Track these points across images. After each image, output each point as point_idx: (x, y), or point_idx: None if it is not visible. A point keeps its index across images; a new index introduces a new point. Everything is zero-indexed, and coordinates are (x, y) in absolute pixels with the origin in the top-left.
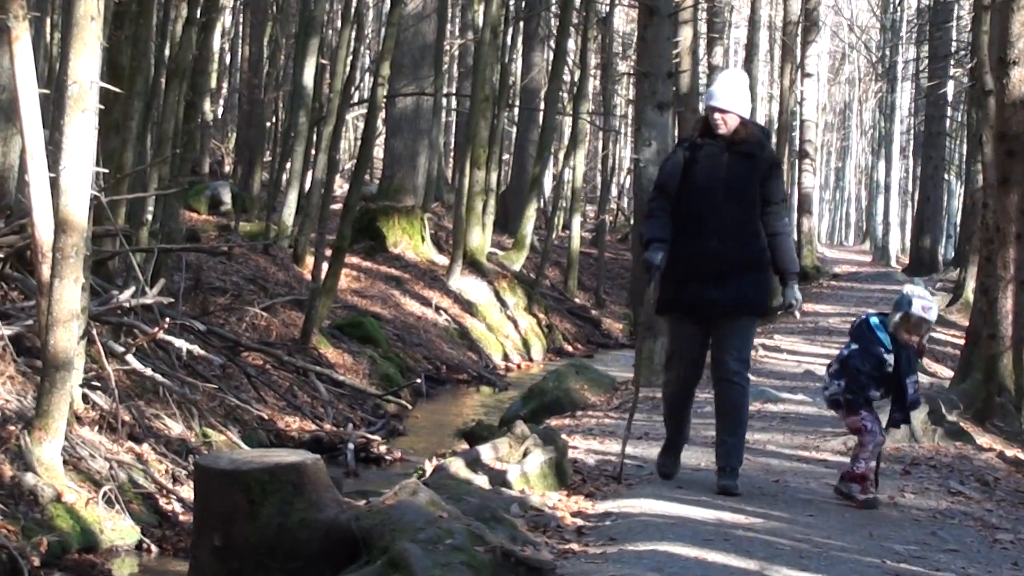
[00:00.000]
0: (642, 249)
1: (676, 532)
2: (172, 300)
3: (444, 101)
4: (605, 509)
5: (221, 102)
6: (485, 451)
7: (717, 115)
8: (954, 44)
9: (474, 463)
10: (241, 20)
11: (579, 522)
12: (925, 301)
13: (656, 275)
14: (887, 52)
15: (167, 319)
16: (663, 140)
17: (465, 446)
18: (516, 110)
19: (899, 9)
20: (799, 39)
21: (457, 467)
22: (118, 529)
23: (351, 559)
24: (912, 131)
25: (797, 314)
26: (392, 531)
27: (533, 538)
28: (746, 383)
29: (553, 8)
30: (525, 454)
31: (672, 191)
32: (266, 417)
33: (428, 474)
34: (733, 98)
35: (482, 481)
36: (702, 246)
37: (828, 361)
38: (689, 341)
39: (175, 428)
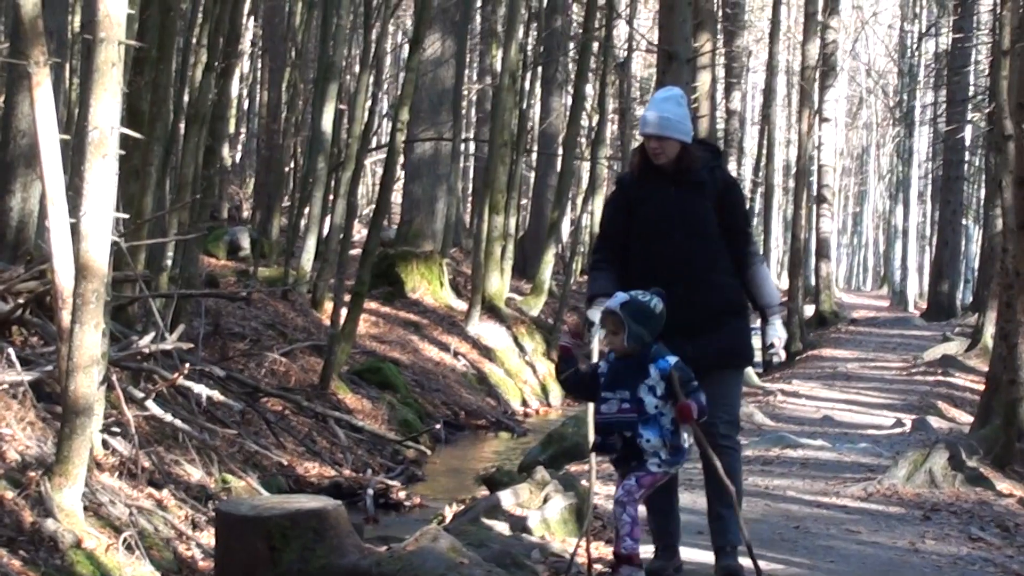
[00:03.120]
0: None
1: None
2: (192, 346)
3: (462, 146)
4: None
5: (240, 147)
6: (505, 497)
7: (654, 144)
8: (972, 88)
9: (494, 509)
10: (260, 65)
11: (600, 568)
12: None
13: (596, 332)
14: (904, 96)
15: (186, 365)
16: None
17: (485, 492)
18: (534, 155)
19: (916, 54)
20: (817, 84)
21: (477, 513)
22: (138, 575)
23: None
24: (930, 176)
25: (782, 354)
26: None
27: None
28: (737, 447)
29: (571, 54)
30: (545, 500)
31: (619, 238)
32: (285, 463)
33: (448, 520)
34: (670, 122)
35: (503, 527)
36: (667, 295)
37: (847, 406)
38: None
39: (195, 474)
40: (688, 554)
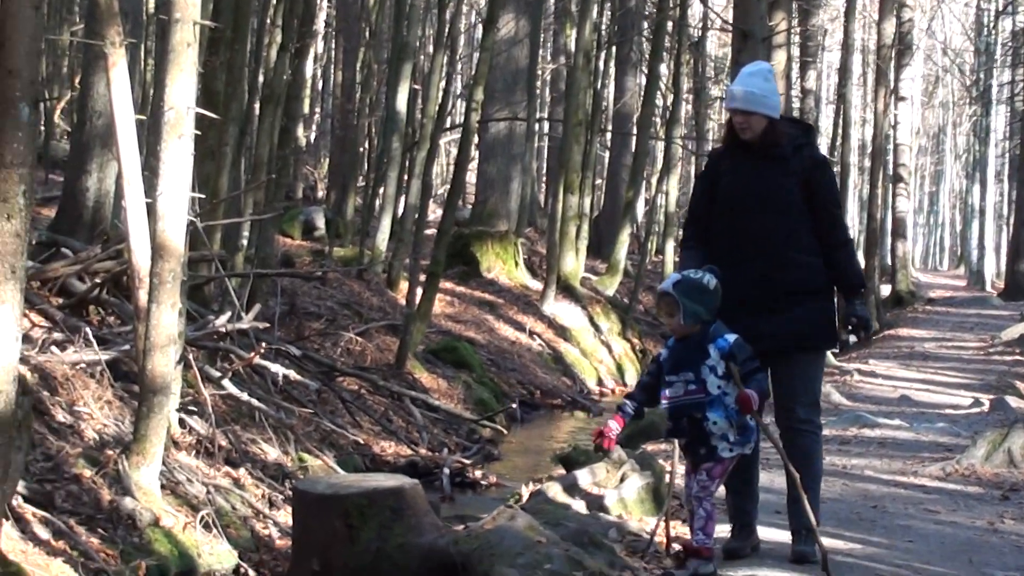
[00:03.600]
0: None
1: (774, 557)
2: (268, 325)
3: (537, 126)
4: None
5: (314, 127)
6: (582, 476)
7: (739, 118)
8: None
9: (571, 488)
10: (334, 46)
11: (677, 547)
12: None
13: None
14: (981, 75)
15: (263, 344)
16: None
17: (562, 471)
18: (609, 135)
19: (993, 32)
20: (893, 63)
21: (554, 492)
22: (216, 553)
23: None
24: (1007, 155)
25: (857, 338)
26: (491, 556)
27: (631, 563)
28: (818, 431)
29: (645, 33)
30: (622, 479)
31: (704, 214)
32: (361, 442)
33: (525, 499)
34: (756, 96)
35: (579, 506)
36: (745, 273)
37: (925, 386)
38: None
39: (271, 453)
40: (765, 533)
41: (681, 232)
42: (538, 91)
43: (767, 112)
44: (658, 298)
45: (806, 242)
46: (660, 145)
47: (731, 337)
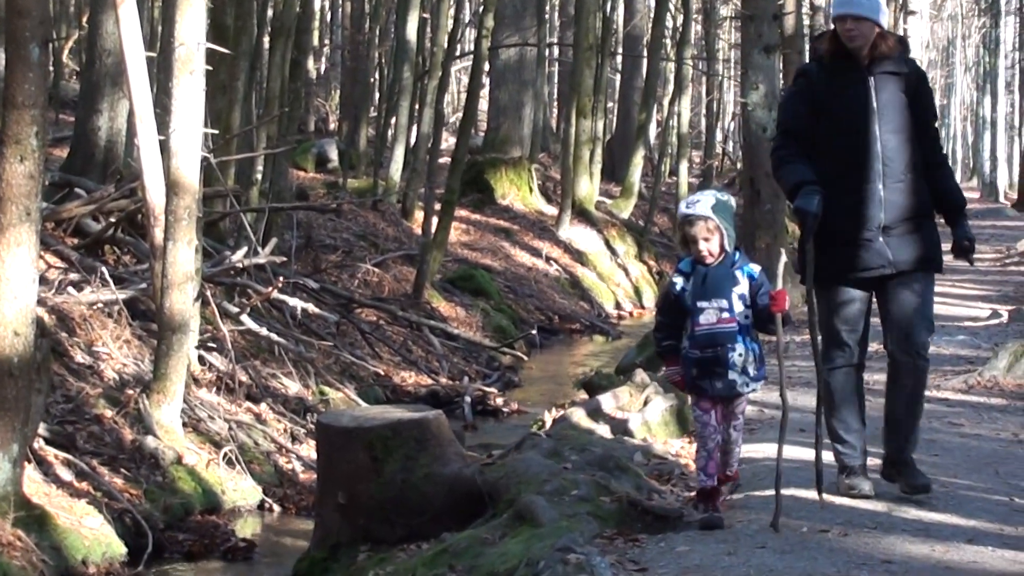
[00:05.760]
0: (789, 197)
1: (800, 476)
2: (284, 259)
3: (547, 51)
4: None
5: (324, 60)
6: (606, 400)
7: (850, 24)
8: None
9: (595, 413)
10: None
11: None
12: (689, 198)
13: (814, 226)
14: None
15: (280, 278)
16: (771, 83)
17: (584, 396)
18: (619, 58)
19: None
20: None
21: (578, 417)
22: (240, 489)
23: (476, 513)
24: (1017, 65)
25: (972, 258)
26: (517, 484)
27: (658, 486)
28: (928, 358)
29: None
30: (646, 402)
31: (805, 134)
32: (382, 373)
33: (549, 425)
34: (868, 2)
35: (604, 431)
36: (863, 194)
37: (942, 299)
38: (856, 315)
39: (292, 387)
40: (789, 452)
41: (772, 151)
42: (547, 16)
43: (878, 20)
44: (689, 222)
45: (918, 162)
46: (671, 66)
47: (756, 267)
